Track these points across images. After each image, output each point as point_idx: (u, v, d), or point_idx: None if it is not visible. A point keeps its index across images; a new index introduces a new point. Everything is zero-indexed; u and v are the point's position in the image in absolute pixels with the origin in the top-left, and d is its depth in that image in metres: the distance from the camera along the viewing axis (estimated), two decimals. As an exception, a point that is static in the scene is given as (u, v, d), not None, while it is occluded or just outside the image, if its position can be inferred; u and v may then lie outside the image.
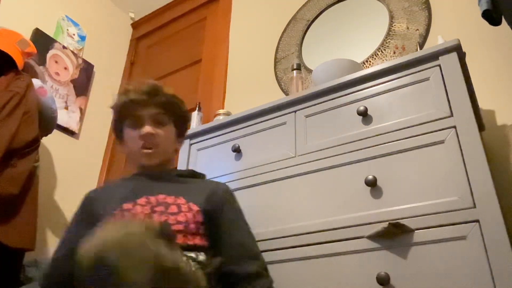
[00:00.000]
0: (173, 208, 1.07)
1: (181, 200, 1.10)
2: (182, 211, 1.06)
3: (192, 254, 1.00)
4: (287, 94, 1.94)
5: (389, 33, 1.79)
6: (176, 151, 1.33)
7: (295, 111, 1.43)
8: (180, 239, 1.00)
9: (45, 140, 2.04)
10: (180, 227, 1.03)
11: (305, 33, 2.09)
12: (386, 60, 1.74)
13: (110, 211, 1.07)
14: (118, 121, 1.27)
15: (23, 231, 1.63)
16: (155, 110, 1.22)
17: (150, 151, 1.19)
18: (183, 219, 1.04)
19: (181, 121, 1.30)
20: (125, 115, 1.23)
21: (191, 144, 1.64)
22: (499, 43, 1.54)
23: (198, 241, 1.04)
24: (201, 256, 1.02)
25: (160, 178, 1.20)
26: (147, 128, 1.19)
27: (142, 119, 1.21)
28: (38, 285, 1.11)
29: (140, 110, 1.21)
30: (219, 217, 1.13)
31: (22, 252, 1.69)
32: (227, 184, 1.27)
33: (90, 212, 1.12)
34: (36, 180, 1.78)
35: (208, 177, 1.50)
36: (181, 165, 1.61)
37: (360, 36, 1.89)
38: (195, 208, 1.08)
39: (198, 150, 1.61)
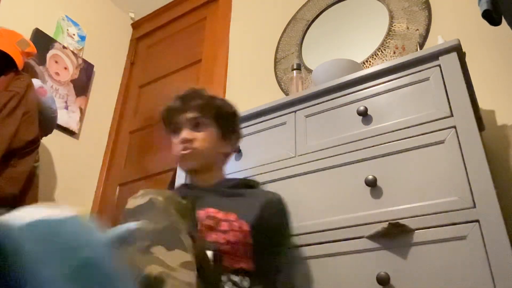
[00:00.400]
0: (224, 226, 1.01)
1: (232, 216, 1.03)
2: (233, 229, 1.01)
3: (236, 279, 0.97)
4: (287, 94, 1.94)
5: (389, 33, 1.79)
6: (225, 155, 1.27)
7: (295, 111, 1.43)
8: (226, 261, 0.97)
9: (45, 140, 2.04)
10: (229, 248, 0.99)
11: (305, 33, 2.09)
12: (386, 60, 1.74)
13: None
14: (166, 131, 1.29)
15: (23, 231, 1.63)
16: (192, 114, 1.21)
17: (186, 152, 1.18)
18: (233, 239, 0.99)
19: (224, 122, 1.25)
20: (167, 124, 1.27)
21: (191, 144, 1.64)
22: (499, 43, 1.54)
23: (244, 264, 1.00)
24: (245, 282, 0.98)
25: (210, 190, 1.16)
26: (183, 133, 1.20)
27: (180, 124, 1.22)
28: None
29: (177, 116, 1.23)
30: (270, 233, 1.08)
31: (22, 252, 1.69)
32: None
33: None
34: (36, 180, 1.78)
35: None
36: (181, 165, 1.61)
37: (360, 36, 1.89)
38: (246, 228, 1.02)
39: (198, 150, 1.61)
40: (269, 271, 1.06)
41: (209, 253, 0.91)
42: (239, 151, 1.48)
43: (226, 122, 1.26)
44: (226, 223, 1.01)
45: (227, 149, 1.26)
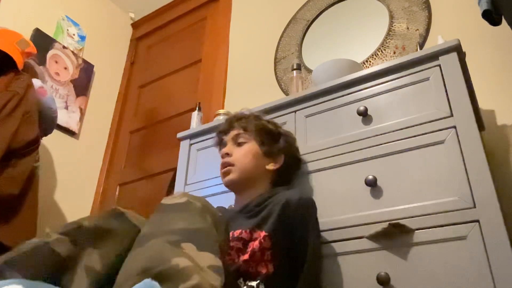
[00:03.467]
0: (250, 245, 1.02)
1: (254, 231, 1.04)
2: (251, 240, 1.03)
3: (253, 284, 0.96)
4: (287, 94, 1.94)
5: (389, 33, 1.79)
6: (271, 172, 1.24)
7: (295, 111, 1.43)
8: (243, 268, 0.98)
9: (45, 140, 2.04)
10: (246, 256, 1.00)
11: (305, 33, 2.09)
12: (386, 60, 1.74)
13: None
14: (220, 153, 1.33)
15: (23, 231, 1.63)
16: (236, 132, 1.27)
17: (225, 170, 1.22)
18: (250, 249, 1.01)
19: (266, 139, 1.25)
20: (218, 145, 1.34)
21: (191, 144, 1.64)
22: (499, 43, 1.54)
23: (262, 268, 1.00)
24: (262, 287, 0.97)
25: (243, 210, 1.15)
26: (224, 148, 1.25)
27: (225, 143, 1.28)
28: None
29: (224, 136, 1.30)
30: (290, 237, 1.06)
31: (22, 252, 1.69)
32: (300, 194, 1.13)
33: None
34: (36, 180, 1.78)
35: (207, 177, 1.51)
36: (181, 165, 1.60)
37: (360, 36, 1.89)
38: (263, 233, 1.02)
39: (198, 150, 1.61)
40: (290, 272, 1.04)
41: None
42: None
43: (269, 139, 1.26)
44: (248, 240, 1.03)
45: (272, 166, 1.24)
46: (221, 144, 1.32)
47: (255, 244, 1.00)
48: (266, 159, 1.24)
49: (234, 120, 1.30)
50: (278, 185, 1.24)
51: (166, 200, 0.82)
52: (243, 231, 1.04)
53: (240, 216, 1.13)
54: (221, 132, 1.32)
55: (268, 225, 1.04)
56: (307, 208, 1.10)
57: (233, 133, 1.27)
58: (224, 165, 1.23)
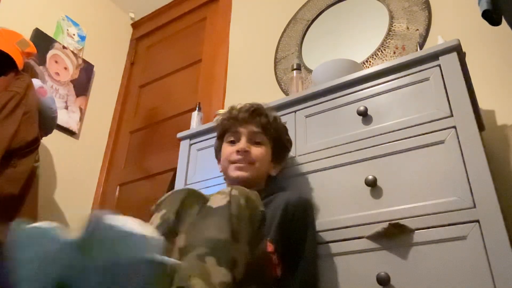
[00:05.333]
0: None
1: None
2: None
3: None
4: (287, 94, 1.94)
5: (389, 33, 1.79)
6: (269, 177, 1.26)
7: (295, 111, 1.43)
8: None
9: (45, 140, 2.04)
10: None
11: (305, 33, 2.09)
12: (386, 60, 1.74)
13: None
14: (219, 138, 1.32)
15: (23, 231, 1.62)
16: (255, 129, 1.24)
17: (244, 165, 1.20)
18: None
19: (279, 146, 1.28)
20: (225, 130, 1.29)
21: (191, 145, 1.64)
22: (499, 43, 1.54)
23: (267, 271, 0.98)
24: None
25: None
26: (243, 143, 1.22)
27: (240, 135, 1.25)
28: None
29: (240, 126, 1.25)
30: (290, 239, 1.06)
31: (22, 252, 1.69)
32: (298, 196, 1.15)
33: None
34: (36, 180, 1.78)
35: (207, 177, 1.50)
36: (181, 165, 1.60)
37: (360, 36, 1.89)
38: (270, 247, 1.00)
39: (198, 150, 1.61)
40: (295, 275, 1.04)
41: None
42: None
43: (281, 148, 1.28)
44: None
45: (274, 172, 1.27)
46: (233, 132, 1.27)
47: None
48: (272, 164, 1.26)
49: (255, 115, 1.26)
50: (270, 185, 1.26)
51: (212, 203, 0.91)
52: None
53: None
54: (237, 120, 1.27)
55: (271, 231, 1.03)
56: (306, 210, 1.13)
57: (251, 128, 1.25)
58: (244, 160, 1.21)
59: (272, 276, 0.99)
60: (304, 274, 1.05)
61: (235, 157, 1.22)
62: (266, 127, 1.25)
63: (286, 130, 1.32)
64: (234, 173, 1.21)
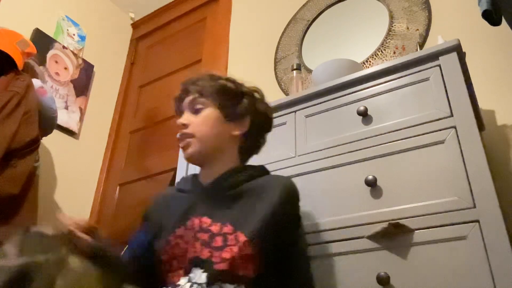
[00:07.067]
0: (218, 241, 0.91)
1: (228, 228, 0.92)
2: (228, 244, 0.90)
3: (231, 287, 0.87)
4: (287, 94, 1.94)
5: (389, 33, 1.79)
6: (234, 138, 1.09)
7: (295, 111, 1.43)
8: (223, 276, 0.87)
9: (45, 140, 2.04)
10: (224, 266, 0.87)
11: (305, 33, 2.09)
12: (386, 60, 1.74)
13: (166, 236, 1.00)
14: None
15: (23, 231, 1.63)
16: (191, 97, 1.09)
17: (183, 143, 1.06)
18: (229, 256, 0.88)
19: (226, 100, 1.09)
20: (178, 115, 1.14)
21: (191, 144, 1.64)
22: (499, 43, 1.54)
23: (242, 270, 0.88)
24: None
25: (210, 191, 1.04)
26: (179, 120, 1.08)
27: (183, 111, 1.11)
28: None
29: (182, 103, 1.12)
30: (277, 237, 0.95)
31: (22, 252, 1.69)
32: (287, 184, 1.03)
33: (153, 223, 1.08)
34: (36, 180, 1.78)
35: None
36: (181, 165, 1.60)
37: (360, 36, 1.89)
38: (243, 238, 0.89)
39: (198, 150, 1.61)
40: (276, 275, 0.95)
41: (203, 276, 0.87)
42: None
43: (230, 100, 1.09)
44: (221, 238, 0.91)
45: (237, 131, 1.09)
46: (179, 113, 1.13)
47: (234, 252, 0.88)
48: (229, 124, 1.08)
49: (189, 84, 1.11)
50: (246, 151, 1.13)
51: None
52: (211, 222, 0.95)
53: (209, 197, 1.02)
54: (177, 99, 1.14)
55: (250, 228, 0.91)
56: (295, 203, 1.02)
57: (188, 99, 1.10)
58: (182, 137, 1.06)
59: (245, 275, 0.89)
60: (301, 280, 0.99)
61: (178, 136, 1.08)
62: (202, 88, 1.09)
63: (232, 80, 1.13)
64: (184, 154, 1.08)
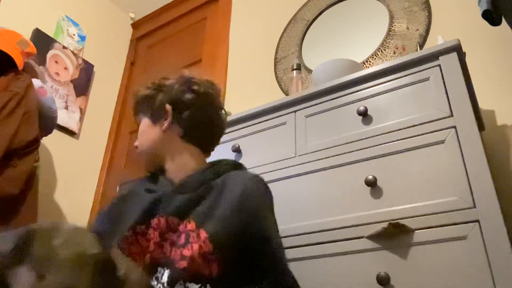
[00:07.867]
0: (182, 239, 0.90)
1: (191, 226, 0.91)
2: (190, 241, 0.89)
3: (196, 287, 0.85)
4: (287, 94, 1.94)
5: (389, 33, 1.79)
6: (172, 135, 1.11)
7: (295, 111, 1.43)
8: (185, 275, 0.85)
9: (45, 140, 2.04)
10: (184, 264, 0.86)
11: (305, 33, 2.09)
12: (386, 60, 1.74)
13: (124, 230, 0.98)
14: None
15: (23, 231, 1.63)
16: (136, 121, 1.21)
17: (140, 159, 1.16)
18: (189, 253, 0.86)
19: (145, 105, 1.16)
20: None
21: (191, 144, 1.64)
22: (499, 43, 1.54)
23: (205, 269, 0.86)
24: None
25: (178, 190, 1.03)
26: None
27: None
28: None
29: None
30: (242, 234, 0.92)
31: (22, 252, 1.69)
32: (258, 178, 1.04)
33: (114, 212, 1.07)
34: (36, 180, 1.78)
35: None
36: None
37: (360, 36, 1.89)
38: (204, 235, 0.88)
39: (198, 150, 1.61)
40: (244, 274, 0.90)
41: (165, 275, 0.86)
42: (239, 151, 1.47)
43: (147, 104, 1.15)
44: (184, 235, 0.90)
45: (164, 125, 1.10)
46: None
47: (194, 249, 0.86)
48: (156, 124, 1.12)
49: (134, 104, 1.20)
50: (190, 134, 1.11)
51: None
52: (179, 221, 0.94)
53: (175, 196, 1.00)
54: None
55: (212, 224, 0.90)
56: (259, 199, 0.99)
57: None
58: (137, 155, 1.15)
59: (209, 274, 0.86)
60: (273, 272, 0.92)
61: None
62: (135, 106, 1.19)
63: (158, 82, 1.18)
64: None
